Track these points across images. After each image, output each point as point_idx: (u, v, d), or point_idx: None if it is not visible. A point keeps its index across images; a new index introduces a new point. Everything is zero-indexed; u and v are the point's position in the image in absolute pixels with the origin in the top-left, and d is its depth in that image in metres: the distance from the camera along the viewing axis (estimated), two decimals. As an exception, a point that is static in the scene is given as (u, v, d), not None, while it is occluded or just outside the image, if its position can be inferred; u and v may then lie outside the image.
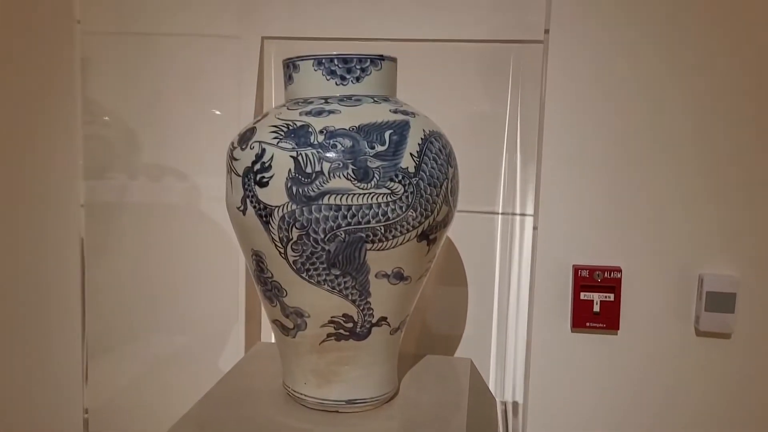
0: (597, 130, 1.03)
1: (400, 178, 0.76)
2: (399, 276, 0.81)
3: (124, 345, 1.13)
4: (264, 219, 0.77)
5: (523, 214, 1.14)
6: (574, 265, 1.15)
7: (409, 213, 0.77)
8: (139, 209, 1.21)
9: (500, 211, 1.19)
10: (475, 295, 1.19)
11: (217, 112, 1.17)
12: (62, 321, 1.24)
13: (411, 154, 0.77)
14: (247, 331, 1.18)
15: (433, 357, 1.07)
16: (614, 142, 1.09)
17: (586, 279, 1.15)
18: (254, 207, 0.78)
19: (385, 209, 0.76)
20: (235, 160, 0.80)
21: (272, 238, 0.78)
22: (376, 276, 0.79)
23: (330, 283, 0.79)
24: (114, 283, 1.17)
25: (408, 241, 0.79)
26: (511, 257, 1.17)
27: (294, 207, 0.75)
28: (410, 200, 0.77)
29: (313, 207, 0.75)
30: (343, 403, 0.85)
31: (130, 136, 1.18)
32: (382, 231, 0.76)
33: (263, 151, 0.77)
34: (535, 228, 1.06)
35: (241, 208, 0.79)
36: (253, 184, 0.77)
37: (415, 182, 0.77)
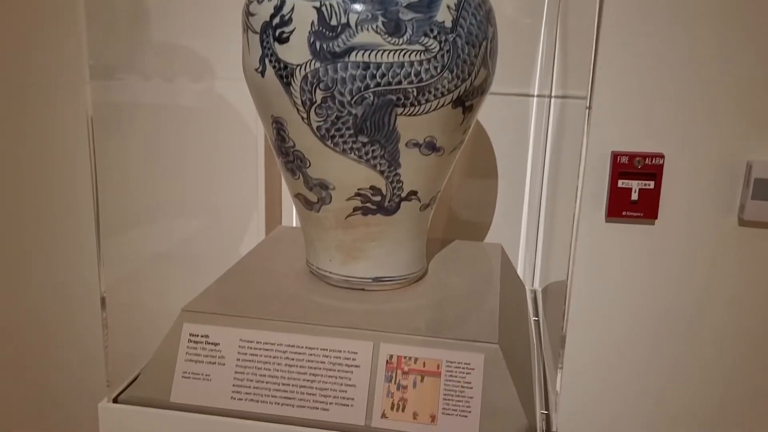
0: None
1: (435, 33, 0.68)
2: (431, 146, 0.75)
3: (138, 228, 1.09)
4: (284, 80, 0.71)
5: (562, 97, 1.06)
6: (612, 152, 1.09)
7: (445, 74, 0.70)
8: (154, 86, 1.15)
9: (535, 93, 1.11)
10: (505, 180, 1.13)
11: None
12: (74, 202, 1.21)
13: (448, 6, 0.69)
14: (268, 218, 1.14)
15: (462, 242, 1.02)
16: (667, 21, 1.00)
17: (625, 166, 1.08)
18: (274, 67, 0.71)
19: (419, 69, 0.69)
20: (252, 15, 0.72)
21: (294, 101, 0.71)
22: (406, 145, 0.73)
23: (357, 152, 0.73)
24: (125, 164, 1.12)
25: (442, 106, 0.72)
26: (545, 142, 1.10)
27: (317, 65, 0.69)
28: (446, 60, 0.70)
29: (339, 65, 0.68)
30: (370, 280, 0.81)
31: None
32: (415, 94, 0.70)
33: (282, 2, 0.69)
34: (574, 111, 0.98)
35: (259, 69, 0.73)
36: (271, 40, 0.70)
37: (451, 39, 0.69)
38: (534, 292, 1.10)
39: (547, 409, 0.74)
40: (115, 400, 0.73)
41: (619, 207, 1.10)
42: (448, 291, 0.82)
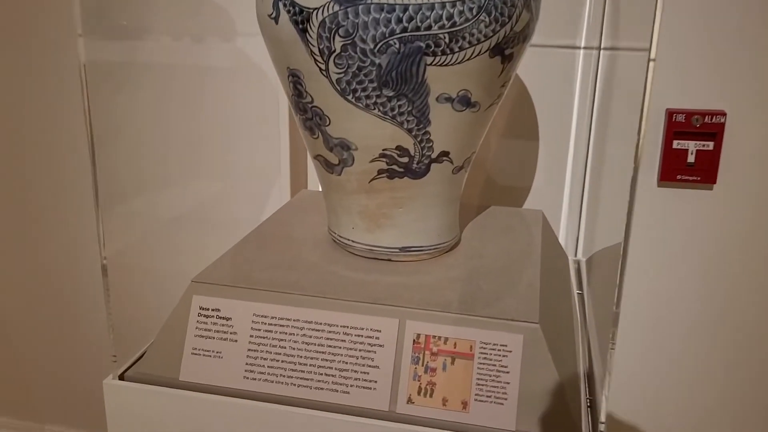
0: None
1: (470, -31, 0.60)
2: (465, 101, 0.66)
3: (152, 192, 1.04)
4: (300, 26, 0.63)
5: (613, 49, 0.96)
6: (667, 109, 0.98)
7: (482, 17, 0.61)
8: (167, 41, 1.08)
9: (582, 45, 1.01)
10: (547, 141, 1.04)
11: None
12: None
13: (485, -63, 0.60)
14: (293, 182, 1.07)
15: (499, 208, 0.94)
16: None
17: (682, 125, 0.98)
18: (288, 11, 0.63)
19: (451, 11, 0.60)
20: (265, -47, 0.65)
21: (311, 50, 0.64)
22: (437, 99, 0.65)
23: (381, 108, 0.65)
24: (137, 124, 1.06)
25: (478, 55, 0.63)
26: (592, 100, 1.00)
27: (336, 8, 0.61)
28: (483, 1, 0.61)
29: (360, 8, 0.60)
30: (396, 250, 0.74)
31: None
32: (447, 41, 0.61)
33: (298, -64, 0.61)
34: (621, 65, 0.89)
35: (273, 15, 0.65)
36: (286, -20, 0.62)
37: (489, -24, 0.61)
38: (577, 262, 1.01)
39: (591, 395, 0.66)
40: (121, 377, 0.68)
41: (673, 170, 1.00)
42: (482, 262, 0.75)
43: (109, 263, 0.67)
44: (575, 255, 1.04)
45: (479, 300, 0.66)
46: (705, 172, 0.99)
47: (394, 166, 0.69)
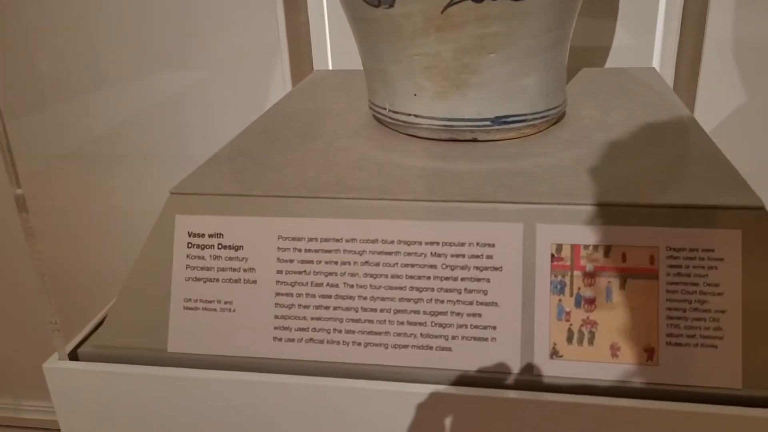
0: None
1: None
2: None
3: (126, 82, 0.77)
4: None
5: None
6: None
7: None
8: None
9: None
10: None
11: None
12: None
13: None
14: (293, 66, 0.79)
15: (594, 69, 0.68)
16: None
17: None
18: None
19: None
20: None
21: None
22: None
23: None
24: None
25: None
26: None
27: None
28: None
29: None
30: (487, 122, 0.47)
31: None
32: None
33: None
34: None
35: None
36: None
37: None
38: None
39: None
40: (72, 356, 0.42)
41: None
42: (615, 134, 0.49)
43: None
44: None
45: (643, 184, 0.41)
46: None
47: (485, -19, 0.42)
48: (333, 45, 0.78)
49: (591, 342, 0.38)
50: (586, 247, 0.38)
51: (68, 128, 0.82)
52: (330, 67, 0.78)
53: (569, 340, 0.38)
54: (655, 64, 0.76)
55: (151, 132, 0.81)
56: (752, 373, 0.36)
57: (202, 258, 0.41)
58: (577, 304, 0.38)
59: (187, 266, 0.41)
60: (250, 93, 0.80)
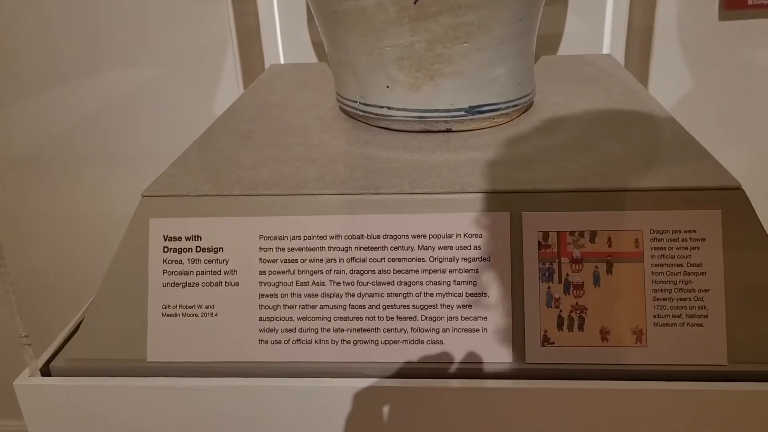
0: None
1: None
2: None
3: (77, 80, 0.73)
4: None
5: None
6: None
7: None
8: None
9: None
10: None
11: None
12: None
13: None
14: (243, 61, 0.77)
15: (553, 57, 0.69)
16: None
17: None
18: None
19: None
20: None
21: None
22: None
23: None
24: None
25: None
26: None
27: None
28: None
29: None
30: (461, 112, 0.47)
31: None
32: None
33: None
34: None
35: None
36: None
37: None
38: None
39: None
40: (44, 371, 0.40)
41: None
42: (586, 121, 0.50)
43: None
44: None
45: (623, 169, 0.41)
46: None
47: (457, -31, 0.42)
48: (284, 38, 0.77)
49: (581, 327, 0.38)
50: (572, 233, 0.38)
51: (19, 131, 0.78)
52: (281, 61, 0.76)
53: (560, 326, 0.38)
54: (606, 50, 0.78)
55: (106, 131, 0.78)
56: (737, 350, 0.37)
57: (180, 262, 0.39)
58: (566, 291, 0.38)
59: (164, 271, 0.39)
60: (203, 87, 0.77)
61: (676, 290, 0.37)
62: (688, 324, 0.37)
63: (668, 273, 0.38)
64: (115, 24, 0.75)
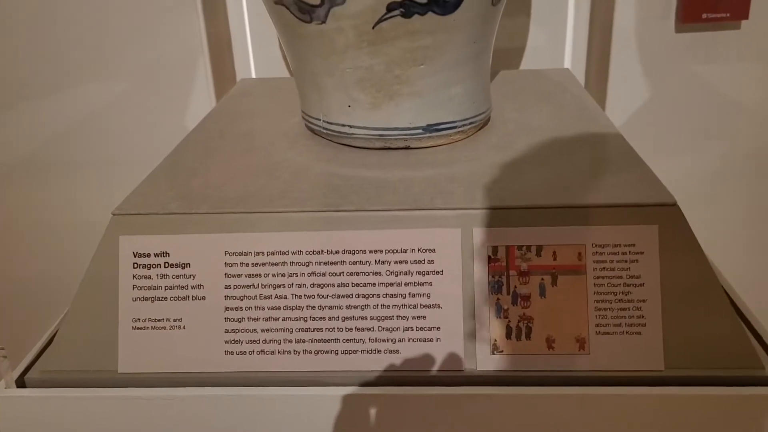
0: None
1: None
2: None
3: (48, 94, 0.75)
4: None
5: None
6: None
7: None
8: None
9: None
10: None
11: None
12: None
13: None
14: (216, 73, 0.79)
15: (510, 72, 0.71)
16: None
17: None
18: None
19: None
20: None
21: None
22: None
23: None
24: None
25: None
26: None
27: None
28: None
29: None
30: (419, 131, 0.50)
31: None
32: None
33: None
34: None
35: None
36: None
37: None
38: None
39: None
40: (20, 383, 0.42)
41: (696, 7, 0.80)
42: (540, 138, 0.52)
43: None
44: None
45: (569, 187, 0.44)
46: (735, 6, 0.80)
47: (412, -4, 0.44)
48: (255, 51, 0.78)
49: (528, 336, 0.40)
50: (519, 248, 0.41)
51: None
52: (253, 74, 0.78)
53: (508, 335, 0.40)
54: (567, 63, 0.81)
55: (79, 143, 0.79)
56: (673, 356, 0.39)
57: (149, 278, 0.41)
58: (514, 302, 0.40)
59: (134, 286, 0.41)
60: (174, 101, 0.79)
61: (616, 300, 0.40)
62: (627, 332, 0.40)
63: (609, 284, 0.40)
64: (87, 37, 0.77)
